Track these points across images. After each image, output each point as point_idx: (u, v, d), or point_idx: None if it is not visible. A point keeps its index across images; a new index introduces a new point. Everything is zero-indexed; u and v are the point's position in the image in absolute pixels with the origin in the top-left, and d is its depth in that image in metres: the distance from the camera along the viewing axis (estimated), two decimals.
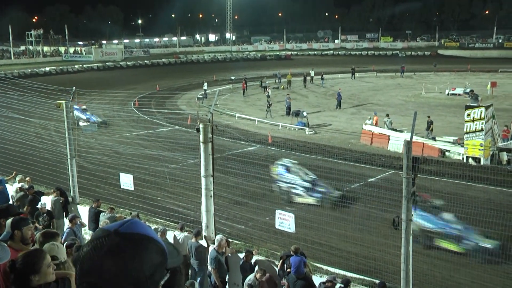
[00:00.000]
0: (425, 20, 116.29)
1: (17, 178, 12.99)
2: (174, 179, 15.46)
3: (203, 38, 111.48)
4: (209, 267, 9.20)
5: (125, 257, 1.27)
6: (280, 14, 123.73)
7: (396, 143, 21.13)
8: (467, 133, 20.08)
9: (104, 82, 47.15)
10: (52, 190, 12.65)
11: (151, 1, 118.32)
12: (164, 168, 15.53)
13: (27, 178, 12.91)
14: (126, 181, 12.53)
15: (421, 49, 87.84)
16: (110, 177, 15.96)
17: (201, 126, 9.90)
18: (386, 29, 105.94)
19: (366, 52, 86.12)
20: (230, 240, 10.58)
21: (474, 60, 66.58)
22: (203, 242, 9.86)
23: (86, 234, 11.02)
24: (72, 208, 12.45)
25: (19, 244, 4.47)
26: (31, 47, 77.19)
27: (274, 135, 24.79)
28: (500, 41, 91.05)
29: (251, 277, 8.45)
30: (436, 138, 22.27)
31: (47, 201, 11.70)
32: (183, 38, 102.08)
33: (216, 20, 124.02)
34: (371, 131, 24.51)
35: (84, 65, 65.95)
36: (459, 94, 37.75)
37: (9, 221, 4.60)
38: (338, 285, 8.46)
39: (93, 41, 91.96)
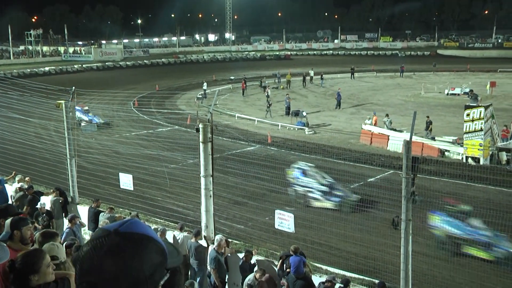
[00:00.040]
0: (425, 20, 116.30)
1: (17, 178, 12.98)
2: (173, 179, 15.45)
3: (202, 38, 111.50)
4: (209, 267, 9.20)
5: (125, 257, 1.27)
6: (279, 14, 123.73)
7: (396, 143, 21.14)
8: (466, 133, 20.09)
9: (104, 82, 47.11)
10: (51, 190, 12.64)
11: (150, 1, 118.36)
12: (163, 168, 15.53)
13: (27, 178, 12.91)
14: (126, 181, 12.52)
15: (421, 49, 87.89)
16: (109, 177, 15.96)
17: (200, 126, 9.90)
18: (386, 29, 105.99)
19: (366, 52, 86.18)
20: (229, 240, 10.58)
21: (474, 60, 66.62)
22: (202, 242, 9.86)
23: (86, 234, 11.02)
24: (72, 208, 12.44)
25: (18, 244, 4.47)
26: (30, 47, 77.15)
27: (273, 135, 24.79)
28: (499, 41, 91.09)
29: (250, 277, 8.45)
30: (436, 138, 22.28)
31: (46, 201, 11.69)
32: (183, 38, 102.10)
33: (216, 20, 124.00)
34: (370, 131, 24.52)
35: (84, 65, 65.92)
36: (458, 94, 37.79)
37: (8, 221, 4.59)
38: (337, 285, 8.46)
39: (92, 41, 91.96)
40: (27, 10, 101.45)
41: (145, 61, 72.91)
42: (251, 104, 36.77)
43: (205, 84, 39.10)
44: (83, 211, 12.34)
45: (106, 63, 68.82)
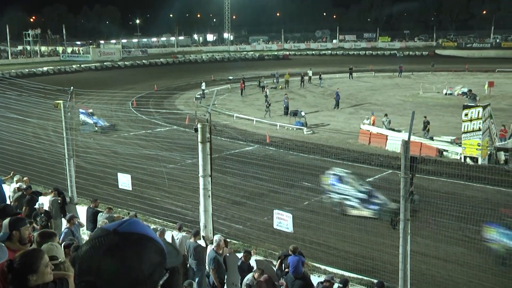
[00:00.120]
0: (423, 20, 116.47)
1: (15, 178, 12.95)
2: (172, 179, 15.44)
3: (201, 38, 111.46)
4: (208, 268, 9.20)
5: (124, 257, 1.27)
6: (278, 14, 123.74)
7: (394, 142, 21.15)
8: (464, 132, 20.12)
9: (102, 82, 47.06)
10: (50, 190, 12.63)
11: (149, 1, 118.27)
12: (162, 168, 15.52)
13: (25, 178, 12.88)
14: (124, 181, 12.50)
15: (419, 49, 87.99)
16: (108, 177, 15.93)
17: (199, 126, 9.90)
18: (384, 29, 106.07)
19: (364, 52, 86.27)
20: (228, 240, 10.58)
21: (472, 60, 66.67)
22: (201, 242, 9.85)
23: (84, 234, 11.01)
24: (70, 208, 12.42)
25: (17, 244, 4.46)
26: (28, 47, 77.11)
27: (272, 135, 24.79)
28: (497, 41, 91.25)
29: (249, 277, 8.45)
30: (434, 138, 22.31)
31: (45, 201, 11.68)
32: (181, 38, 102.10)
33: (214, 20, 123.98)
34: (369, 131, 24.53)
35: (82, 65, 65.85)
36: (451, 94, 37.87)
37: (6, 221, 4.58)
38: (336, 284, 8.46)
39: (91, 41, 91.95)
40: (25, 10, 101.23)
41: (143, 61, 72.86)
42: (250, 104, 36.77)
43: (203, 84, 39.07)
44: (81, 211, 12.33)
45: (105, 63, 68.74)
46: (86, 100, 32.79)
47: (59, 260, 4.21)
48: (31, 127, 21.97)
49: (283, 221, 9.97)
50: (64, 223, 10.48)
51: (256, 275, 8.29)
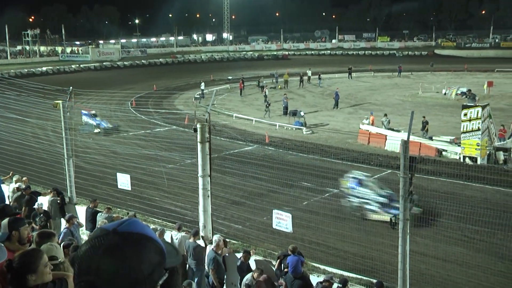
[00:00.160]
0: (422, 20, 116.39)
1: (14, 178, 12.93)
2: (171, 179, 15.44)
3: (200, 38, 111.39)
4: (208, 268, 9.20)
5: (123, 257, 1.27)
6: (277, 14, 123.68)
7: (393, 142, 21.16)
8: (463, 132, 20.13)
9: (101, 82, 47.06)
10: (49, 190, 12.62)
11: (148, 1, 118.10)
12: (161, 168, 15.52)
13: (24, 178, 12.87)
14: (123, 181, 12.50)
15: (418, 49, 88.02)
16: (107, 177, 15.92)
17: (198, 126, 9.89)
18: (383, 29, 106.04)
19: (363, 52, 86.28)
20: (227, 240, 10.58)
21: (471, 59, 66.72)
22: (200, 242, 9.85)
23: (83, 234, 11.00)
24: (69, 208, 12.41)
25: (16, 244, 4.46)
26: (28, 47, 77.00)
27: (271, 135, 24.79)
28: (496, 41, 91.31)
29: (248, 277, 8.45)
30: (433, 138, 22.32)
31: (44, 201, 11.67)
32: (180, 38, 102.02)
33: (214, 20, 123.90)
34: (368, 130, 24.54)
35: (81, 65, 65.81)
36: (445, 93, 37.90)
37: (5, 221, 4.58)
38: (335, 284, 8.46)
39: (90, 41, 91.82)
40: (24, 10, 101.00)
41: (142, 61, 72.82)
42: (249, 104, 36.77)
43: (202, 84, 39.07)
44: (80, 211, 12.32)
45: (104, 63, 68.71)
46: (85, 100, 32.80)
47: (58, 260, 4.20)
48: (30, 127, 21.96)
49: (282, 221, 9.97)
50: (63, 223, 10.48)
51: (255, 275, 8.28)
